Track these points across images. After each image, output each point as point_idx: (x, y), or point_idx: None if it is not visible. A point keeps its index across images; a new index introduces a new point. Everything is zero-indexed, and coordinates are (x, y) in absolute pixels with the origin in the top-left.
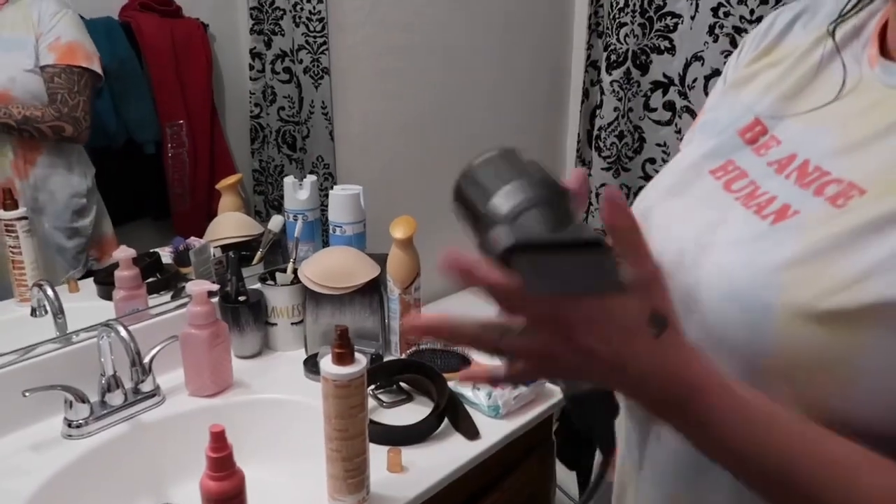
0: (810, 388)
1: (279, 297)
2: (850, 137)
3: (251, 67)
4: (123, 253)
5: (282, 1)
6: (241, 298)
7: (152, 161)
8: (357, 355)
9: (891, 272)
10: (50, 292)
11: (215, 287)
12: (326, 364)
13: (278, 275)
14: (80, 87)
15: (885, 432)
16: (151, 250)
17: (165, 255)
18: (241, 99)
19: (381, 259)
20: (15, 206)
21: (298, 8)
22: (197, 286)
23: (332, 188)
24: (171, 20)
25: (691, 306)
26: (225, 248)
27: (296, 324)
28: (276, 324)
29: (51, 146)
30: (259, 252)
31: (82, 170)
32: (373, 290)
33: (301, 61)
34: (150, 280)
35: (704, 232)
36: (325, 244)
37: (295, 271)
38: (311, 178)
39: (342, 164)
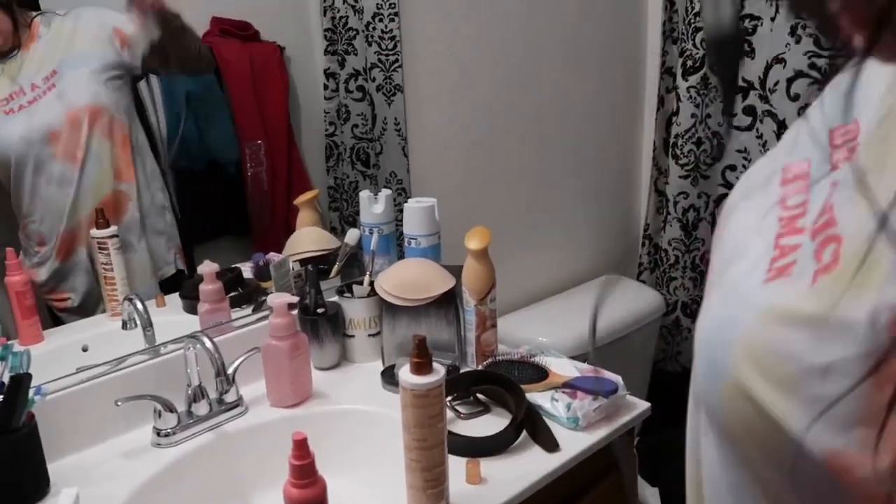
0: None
1: (356, 310)
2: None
3: (325, 87)
4: (207, 267)
5: (354, 21)
6: (320, 311)
7: (232, 180)
8: (435, 365)
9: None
10: (140, 306)
11: (296, 299)
12: (405, 373)
13: (355, 287)
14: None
15: None
16: (233, 266)
17: (246, 270)
18: (316, 118)
19: (456, 270)
20: (106, 225)
21: (371, 27)
22: (278, 298)
23: (406, 202)
24: (250, 44)
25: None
26: (303, 262)
27: (373, 335)
28: (353, 336)
29: (138, 141)
30: (336, 265)
31: (154, 161)
32: (448, 302)
33: (374, 79)
34: (232, 294)
35: (729, 262)
36: (401, 257)
37: (371, 284)
38: (385, 192)
39: (416, 177)
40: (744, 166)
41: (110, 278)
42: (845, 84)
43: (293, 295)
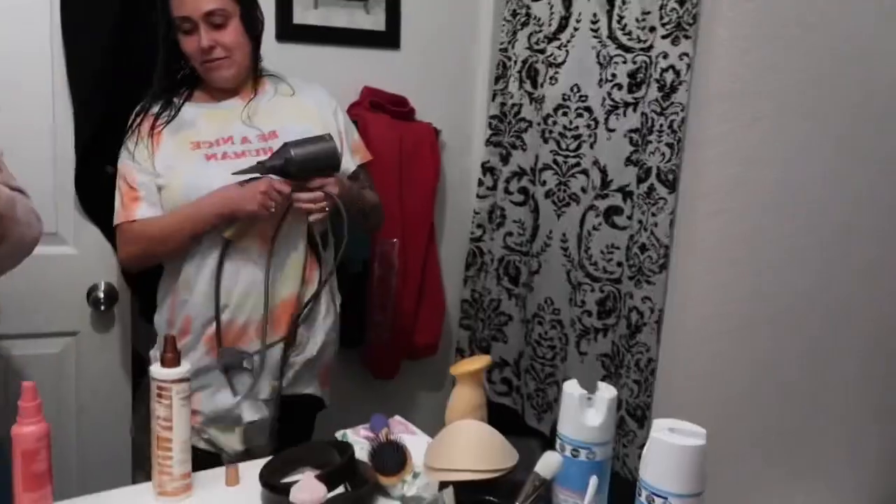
0: None
1: None
2: None
3: (480, 183)
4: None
5: (529, 111)
6: None
7: (354, 281)
8: None
9: None
10: None
11: None
12: None
13: None
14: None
15: None
16: (340, 439)
17: (359, 441)
18: (462, 217)
19: None
20: (176, 361)
21: (550, 121)
22: None
23: (658, 429)
24: (403, 122)
25: None
26: (456, 486)
27: None
28: None
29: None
30: None
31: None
32: None
33: (544, 182)
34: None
35: None
36: None
37: None
38: (608, 390)
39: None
40: None
41: (165, 441)
42: None
43: None
